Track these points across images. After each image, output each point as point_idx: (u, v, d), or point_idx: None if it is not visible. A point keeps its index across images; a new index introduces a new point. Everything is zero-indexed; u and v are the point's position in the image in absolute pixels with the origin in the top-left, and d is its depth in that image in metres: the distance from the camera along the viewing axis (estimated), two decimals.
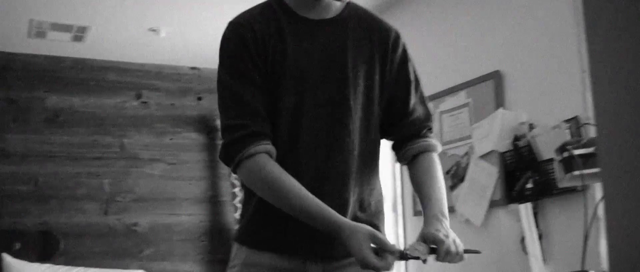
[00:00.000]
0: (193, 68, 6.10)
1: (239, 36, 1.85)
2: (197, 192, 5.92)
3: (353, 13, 1.95)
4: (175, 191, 5.85)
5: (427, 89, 4.49)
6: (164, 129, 5.91)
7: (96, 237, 5.56)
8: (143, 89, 5.91)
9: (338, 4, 1.92)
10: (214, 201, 5.95)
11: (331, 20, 1.91)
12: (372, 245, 1.67)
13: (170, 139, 5.92)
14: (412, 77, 2.00)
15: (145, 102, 5.91)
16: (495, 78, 3.82)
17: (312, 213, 1.73)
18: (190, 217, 5.86)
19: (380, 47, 1.94)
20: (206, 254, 5.86)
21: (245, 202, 1.95)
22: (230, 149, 1.80)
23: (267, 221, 1.85)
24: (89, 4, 4.65)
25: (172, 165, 5.89)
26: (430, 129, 1.99)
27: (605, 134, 0.75)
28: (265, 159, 1.77)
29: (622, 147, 0.73)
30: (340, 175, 1.85)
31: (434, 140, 1.98)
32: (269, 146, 1.78)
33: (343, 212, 1.79)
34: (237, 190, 5.65)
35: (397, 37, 1.99)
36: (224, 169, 5.90)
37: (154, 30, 5.15)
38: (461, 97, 4.05)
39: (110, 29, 5.13)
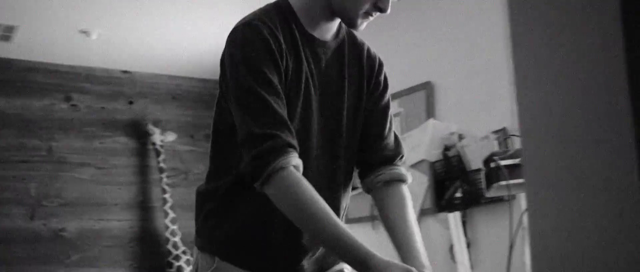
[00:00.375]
0: (125, 71, 6.00)
1: (262, 39, 1.71)
2: (127, 197, 5.83)
3: (347, 36, 1.93)
4: (104, 196, 5.75)
5: None
6: (93, 132, 5.80)
7: (21, 242, 5.41)
8: (72, 92, 5.79)
9: (335, 25, 1.88)
10: (144, 207, 5.87)
11: (332, 43, 1.87)
12: None
13: (100, 143, 5.81)
14: (389, 103, 2.01)
15: (75, 105, 5.79)
16: (427, 89, 3.88)
17: (342, 241, 1.63)
18: (119, 222, 5.76)
19: (368, 72, 1.92)
20: (135, 261, 5.77)
21: (218, 213, 1.84)
22: (259, 162, 1.64)
23: (257, 241, 1.81)
24: (17, 3, 4.53)
25: (101, 169, 5.78)
26: (401, 157, 1.96)
27: (530, 146, 0.77)
28: (296, 174, 1.65)
29: (546, 158, 0.75)
30: (335, 209, 1.80)
31: (405, 169, 1.94)
32: (298, 160, 1.66)
33: None
34: (167, 196, 5.58)
35: (381, 63, 1.99)
36: (155, 175, 5.83)
37: (84, 32, 5.06)
38: (393, 107, 4.09)
39: (39, 29, 5.01)
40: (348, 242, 1.62)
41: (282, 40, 1.74)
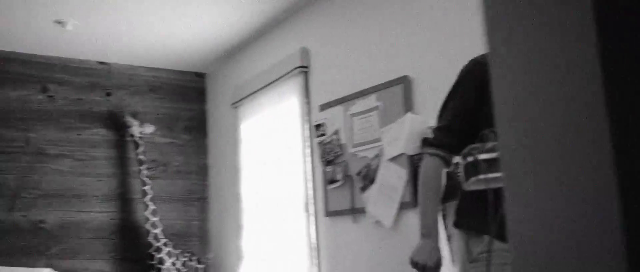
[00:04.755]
0: (102, 63, 5.97)
1: (471, 74, 2.47)
2: (107, 189, 5.82)
3: None
4: (84, 188, 5.73)
5: (339, 93, 4.54)
6: (71, 124, 5.78)
7: (1, 234, 5.39)
8: (49, 83, 5.75)
9: None
10: (124, 199, 5.86)
11: None
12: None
13: (78, 135, 5.78)
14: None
15: (52, 96, 5.75)
16: (404, 83, 3.91)
17: (422, 211, 2.48)
18: (99, 214, 5.76)
19: None
20: (117, 253, 5.77)
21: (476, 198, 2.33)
22: (425, 142, 2.54)
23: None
24: None
25: (80, 161, 5.76)
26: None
27: (507, 140, 0.79)
28: (436, 162, 2.47)
29: (522, 152, 0.76)
30: None
31: None
32: (442, 153, 2.46)
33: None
34: (147, 188, 5.58)
35: None
36: (134, 166, 5.82)
37: (60, 23, 5.02)
38: (371, 101, 4.13)
39: (14, 20, 4.96)
40: (424, 214, 2.48)
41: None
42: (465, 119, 2.42)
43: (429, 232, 2.43)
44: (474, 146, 3.31)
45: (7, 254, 5.37)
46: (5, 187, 5.46)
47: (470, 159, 3.20)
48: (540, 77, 0.74)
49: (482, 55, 2.46)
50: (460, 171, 3.40)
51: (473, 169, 3.18)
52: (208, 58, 5.98)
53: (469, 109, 2.41)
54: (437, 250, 2.42)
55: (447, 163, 2.50)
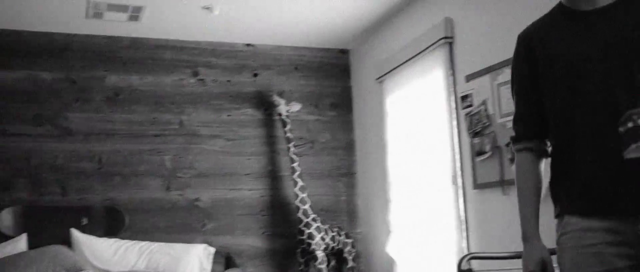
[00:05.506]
0: (248, 45, 6.12)
1: (518, 53, 2.39)
2: (257, 167, 5.99)
3: None
4: (235, 166, 5.93)
5: (484, 61, 4.41)
6: (221, 105, 5.97)
7: (160, 212, 5.67)
8: (199, 67, 5.97)
9: None
10: (273, 176, 6.01)
11: (608, 7, 2.19)
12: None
13: (228, 116, 5.97)
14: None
15: (202, 80, 5.96)
16: None
17: (522, 212, 2.32)
18: (250, 192, 5.94)
19: None
20: (268, 228, 5.94)
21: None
22: (511, 140, 2.41)
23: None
24: None
25: (231, 141, 5.95)
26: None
27: None
28: (526, 157, 2.33)
29: None
30: None
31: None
32: (530, 144, 2.33)
33: None
34: (296, 165, 5.67)
35: None
36: (282, 145, 5.95)
37: (207, 8, 5.18)
38: (506, 74, 3.97)
39: (164, 8, 5.17)
40: (522, 217, 2.31)
41: (531, 39, 2.36)
42: (531, 100, 2.34)
43: (525, 237, 2.29)
44: (633, 110, 3.11)
45: (166, 231, 5.64)
46: (163, 167, 5.72)
47: (630, 124, 3.00)
48: None
49: (528, 26, 2.43)
50: (621, 138, 3.21)
51: (634, 134, 2.99)
52: (351, 34, 5.99)
53: (528, 89, 2.34)
54: (538, 250, 2.25)
55: (539, 152, 2.35)
